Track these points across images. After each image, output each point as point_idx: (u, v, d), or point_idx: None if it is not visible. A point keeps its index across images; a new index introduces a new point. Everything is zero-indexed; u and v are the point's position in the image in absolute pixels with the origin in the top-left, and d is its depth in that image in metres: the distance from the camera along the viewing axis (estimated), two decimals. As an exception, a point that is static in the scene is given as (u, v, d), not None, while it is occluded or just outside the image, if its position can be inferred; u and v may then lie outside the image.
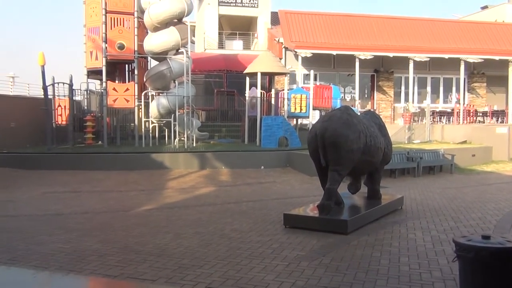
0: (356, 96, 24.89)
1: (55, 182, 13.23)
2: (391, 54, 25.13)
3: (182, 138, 18.36)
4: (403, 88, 27.61)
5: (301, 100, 19.09)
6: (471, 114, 25.65)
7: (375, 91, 27.42)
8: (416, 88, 27.17)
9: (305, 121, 21.75)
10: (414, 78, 26.04)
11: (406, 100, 26.65)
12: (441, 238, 6.98)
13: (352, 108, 18.96)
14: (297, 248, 6.41)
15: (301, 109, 19.14)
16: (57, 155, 15.57)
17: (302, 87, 21.19)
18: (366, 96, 28.26)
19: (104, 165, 14.92)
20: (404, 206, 9.73)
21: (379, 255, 6.12)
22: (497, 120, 26.08)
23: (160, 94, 18.18)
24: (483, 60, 25.77)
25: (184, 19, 18.21)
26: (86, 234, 7.28)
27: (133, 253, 6.11)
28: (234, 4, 30.33)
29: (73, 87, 17.98)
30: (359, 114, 9.21)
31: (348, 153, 7.68)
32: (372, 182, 9.16)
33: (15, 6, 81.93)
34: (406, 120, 23.75)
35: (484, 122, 25.80)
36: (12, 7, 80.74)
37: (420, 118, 25.63)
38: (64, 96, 17.85)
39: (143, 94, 18.02)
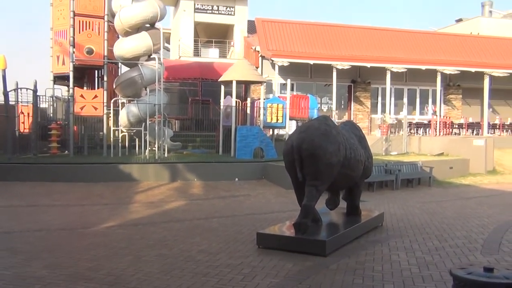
0: (333, 106, 24.52)
1: (12, 194, 12.26)
2: (368, 65, 24.89)
3: (154, 148, 17.56)
4: (380, 99, 27.39)
5: (277, 110, 18.54)
6: (448, 126, 25.56)
7: (352, 102, 27.12)
8: (393, 99, 26.98)
9: (281, 132, 21.21)
10: (391, 89, 25.83)
11: (383, 111, 26.43)
12: (427, 261, 6.42)
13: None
14: (271, 274, 5.75)
15: (277, 119, 18.59)
16: (16, 165, 14.54)
17: (278, 96, 20.67)
18: (343, 106, 27.95)
19: (67, 177, 14.00)
20: (385, 223, 9.20)
21: (361, 281, 5.50)
22: (473, 132, 26.07)
23: (131, 102, 17.35)
24: (459, 72, 25.78)
25: (156, 24, 17.47)
26: (33, 257, 6.46)
27: (82, 281, 5.34)
28: (210, 11, 29.78)
29: (38, 93, 16.98)
30: (337, 124, 8.64)
31: (327, 167, 7.08)
32: (351, 197, 8.59)
33: (-14, 10, 79.57)
34: (383, 132, 23.46)
35: (460, 134, 25.75)
36: (-18, 11, 78.43)
37: (397, 129, 25.41)
38: (27, 102, 16.85)
39: (112, 101, 17.16)
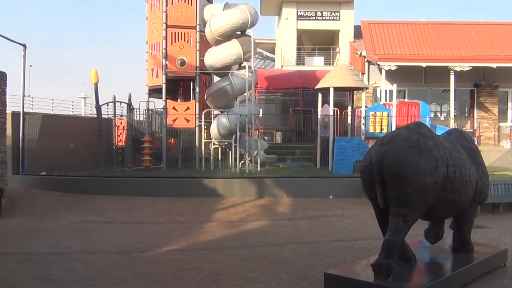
0: (451, 114, 21.52)
1: (93, 209, 12.03)
2: (494, 65, 21.46)
3: (248, 161, 16.60)
4: (510, 104, 23.60)
5: (381, 119, 16.49)
6: None
7: (475, 109, 23.73)
8: (526, 104, 23.10)
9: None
10: (524, 92, 22.11)
11: (514, 118, 22.70)
12: None
13: (440, 125, 15.88)
14: None
15: (381, 129, 16.49)
16: (105, 179, 14.51)
17: (384, 104, 18.53)
18: (466, 114, 24.60)
19: (152, 191, 13.56)
20: (509, 262, 6.93)
21: None
22: None
23: (221, 113, 16.64)
24: None
25: (248, 31, 16.58)
26: (58, 290, 5.63)
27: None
28: (314, 18, 28.49)
29: (132, 107, 17.07)
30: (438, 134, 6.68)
31: (417, 190, 5.25)
32: (459, 229, 6.54)
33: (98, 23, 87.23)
34: (514, 142, 19.94)
35: None
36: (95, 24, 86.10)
37: (531, 139, 21.52)
38: (121, 116, 17.00)
39: (203, 113, 16.61)
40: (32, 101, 19.57)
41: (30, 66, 29.28)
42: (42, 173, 15.42)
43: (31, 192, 13.97)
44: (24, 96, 15.45)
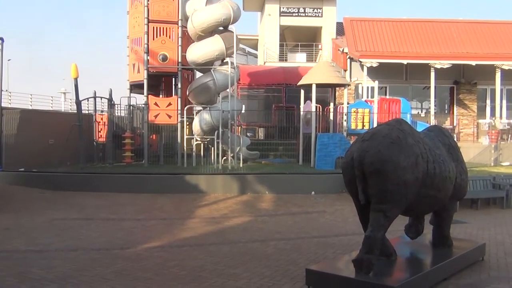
0: (432, 110, 21.81)
1: (74, 206, 11.86)
2: (473, 62, 21.80)
3: (231, 157, 16.57)
4: (488, 101, 24.02)
5: (363, 115, 16.62)
6: None
7: (454, 106, 24.08)
8: (504, 101, 23.50)
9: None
10: (502, 90, 22.47)
11: (493, 115, 23.08)
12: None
13: (420, 122, 16.09)
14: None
15: (363, 126, 16.65)
16: (86, 176, 14.34)
17: (366, 100, 18.67)
18: (446, 111, 24.95)
19: (133, 187, 13.42)
20: (487, 256, 7.07)
21: None
22: None
23: (204, 109, 16.56)
24: None
25: (230, 27, 16.50)
26: (36, 288, 5.53)
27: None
28: (296, 14, 28.53)
29: (113, 102, 16.86)
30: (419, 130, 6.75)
31: (398, 187, 5.31)
32: (439, 224, 6.63)
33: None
34: (492, 139, 20.26)
35: None
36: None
37: (509, 136, 21.94)
38: (102, 111, 16.80)
39: (185, 109, 16.49)
40: (10, 96, 19.20)
41: (8, 60, 28.76)
42: (21, 169, 15.15)
43: (9, 189, 13.70)
44: (1, 90, 15.13)
